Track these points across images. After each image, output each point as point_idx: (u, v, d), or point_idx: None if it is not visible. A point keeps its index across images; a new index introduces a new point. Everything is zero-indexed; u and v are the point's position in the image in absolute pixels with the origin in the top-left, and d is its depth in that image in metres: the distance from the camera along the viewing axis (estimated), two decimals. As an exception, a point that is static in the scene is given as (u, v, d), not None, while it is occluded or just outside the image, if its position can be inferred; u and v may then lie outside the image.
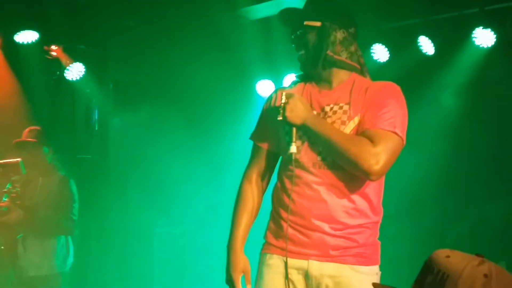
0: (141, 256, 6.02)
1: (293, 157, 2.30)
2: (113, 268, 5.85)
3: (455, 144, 5.10)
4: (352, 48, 2.40)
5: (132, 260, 5.94)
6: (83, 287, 5.44)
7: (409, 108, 5.24)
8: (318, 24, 2.36)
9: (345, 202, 2.29)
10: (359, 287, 2.27)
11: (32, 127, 4.44)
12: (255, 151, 2.55)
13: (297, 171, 2.33)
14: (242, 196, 2.51)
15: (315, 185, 2.30)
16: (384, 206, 5.19)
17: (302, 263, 2.30)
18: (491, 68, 4.77)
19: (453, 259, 1.25)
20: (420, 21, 4.94)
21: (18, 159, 4.06)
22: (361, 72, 2.42)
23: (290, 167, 2.34)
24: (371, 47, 5.21)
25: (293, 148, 2.28)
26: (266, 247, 2.43)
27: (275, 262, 2.37)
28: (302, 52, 2.41)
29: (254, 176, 2.53)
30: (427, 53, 4.96)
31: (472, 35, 4.65)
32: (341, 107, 2.32)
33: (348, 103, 2.32)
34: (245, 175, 2.54)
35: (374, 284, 1.39)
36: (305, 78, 2.48)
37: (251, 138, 2.57)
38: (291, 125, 2.28)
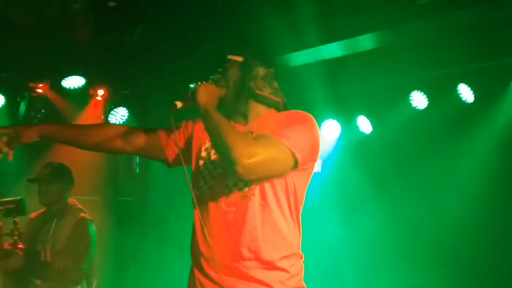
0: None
1: (173, 108, 2.20)
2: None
3: (494, 194, 5.01)
4: (275, 85, 2.37)
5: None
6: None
7: (448, 155, 5.22)
8: (240, 59, 2.33)
9: (254, 235, 2.18)
10: None
11: (48, 162, 4.14)
12: (152, 132, 2.51)
13: (207, 211, 2.24)
14: (98, 125, 2.44)
15: (222, 223, 2.21)
16: (406, 258, 5.11)
17: None
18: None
19: None
20: (459, 69, 4.95)
21: (19, 197, 3.59)
22: (285, 108, 2.38)
23: (199, 205, 2.27)
24: (410, 94, 5.24)
25: (178, 103, 2.19)
26: None
27: None
28: (224, 89, 2.30)
29: (122, 130, 2.48)
30: (466, 101, 4.96)
31: (512, 84, 4.65)
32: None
33: (252, 132, 2.27)
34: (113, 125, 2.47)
35: None
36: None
37: (159, 128, 2.50)
38: (194, 99, 2.17)
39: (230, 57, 2.34)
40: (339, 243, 5.66)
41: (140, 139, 2.50)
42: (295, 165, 2.17)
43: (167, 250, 6.04)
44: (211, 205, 2.24)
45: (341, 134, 5.79)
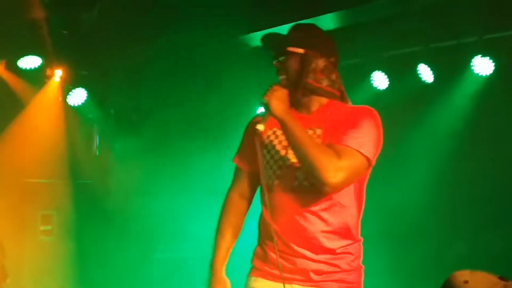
0: (141, 282, 5.98)
1: (258, 132, 2.29)
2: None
3: (452, 171, 5.12)
4: (333, 76, 2.43)
5: (131, 285, 5.90)
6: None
7: (408, 134, 5.30)
8: (301, 51, 2.39)
9: (323, 227, 2.32)
10: None
11: None
12: (237, 173, 2.58)
13: (275, 198, 2.37)
14: (225, 217, 2.53)
15: (292, 211, 2.33)
16: (378, 230, 5.22)
17: (286, 287, 2.33)
18: (490, 96, 4.82)
19: (471, 284, 1.19)
20: (419, 49, 5.00)
21: None
22: (342, 99, 2.47)
23: (268, 193, 2.38)
24: (371, 75, 5.27)
25: (260, 126, 2.28)
26: (252, 271, 2.47)
27: (259, 284, 2.41)
28: (283, 77, 2.39)
29: (236, 197, 2.55)
30: (426, 81, 5.02)
31: (471, 63, 4.71)
32: (315, 131, 2.35)
33: (322, 127, 2.36)
34: (228, 197, 2.56)
35: None
36: None
37: (234, 161, 2.59)
38: (269, 111, 2.27)
39: (290, 49, 2.39)
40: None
41: (247, 190, 2.57)
42: (369, 168, 2.34)
43: (129, 234, 5.99)
44: (279, 195, 2.36)
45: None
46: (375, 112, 2.38)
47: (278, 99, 2.26)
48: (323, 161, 2.18)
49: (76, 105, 5.73)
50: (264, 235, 2.42)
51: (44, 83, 5.62)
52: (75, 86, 5.69)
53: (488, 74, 4.69)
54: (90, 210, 5.84)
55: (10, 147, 5.53)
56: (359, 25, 4.91)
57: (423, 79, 5.02)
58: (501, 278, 1.22)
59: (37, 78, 5.52)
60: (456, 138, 5.03)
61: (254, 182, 2.54)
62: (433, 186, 5.12)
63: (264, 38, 2.48)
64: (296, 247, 2.32)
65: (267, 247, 2.40)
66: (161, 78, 5.82)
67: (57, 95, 5.70)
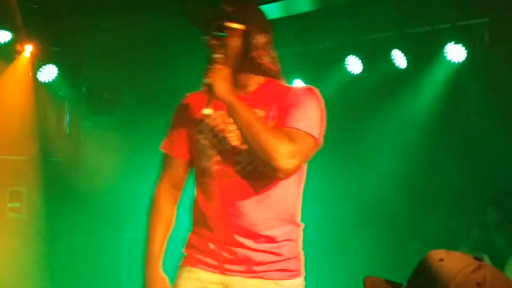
0: (110, 261, 5.96)
1: (206, 117, 2.20)
2: (81, 271, 5.78)
3: (423, 155, 5.19)
4: (273, 53, 2.29)
5: (100, 264, 5.88)
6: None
7: (380, 119, 5.35)
8: (242, 26, 2.23)
9: (265, 214, 2.21)
10: None
11: None
12: (167, 161, 2.40)
13: (214, 184, 2.23)
14: (156, 209, 2.37)
15: (232, 198, 2.21)
16: (347, 217, 5.27)
17: (224, 278, 2.22)
18: (462, 83, 4.89)
19: (446, 263, 1.21)
20: (393, 34, 5.03)
21: None
22: (278, 77, 2.32)
23: (205, 179, 2.26)
24: (345, 59, 5.29)
25: (207, 111, 2.13)
26: (186, 260, 2.32)
27: (194, 275, 2.27)
28: (221, 55, 2.19)
29: (167, 187, 2.39)
30: (399, 67, 5.06)
31: (444, 50, 4.77)
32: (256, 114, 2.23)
33: (264, 109, 2.23)
34: (158, 187, 2.40)
35: (367, 279, 1.35)
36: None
37: (162, 148, 2.42)
38: (213, 93, 2.12)
39: (229, 24, 2.22)
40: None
41: (178, 178, 2.40)
42: (317, 148, 2.22)
43: (99, 213, 5.95)
44: (218, 181, 2.22)
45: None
46: (317, 90, 2.27)
47: (223, 79, 2.12)
48: (276, 146, 2.07)
49: (46, 81, 5.63)
50: (200, 223, 2.28)
51: (14, 59, 5.51)
52: (46, 62, 5.60)
53: (460, 61, 4.76)
54: (60, 188, 5.78)
55: (-22, 123, 5.45)
56: (333, 8, 4.91)
57: (397, 64, 5.06)
58: (475, 258, 1.24)
59: (6, 53, 5.41)
60: (427, 124, 5.10)
61: (186, 169, 2.38)
62: (401, 172, 5.18)
63: (193, 15, 2.33)
64: (235, 236, 2.19)
65: (203, 235, 2.26)
66: (134, 56, 5.75)
67: (27, 71, 5.60)
